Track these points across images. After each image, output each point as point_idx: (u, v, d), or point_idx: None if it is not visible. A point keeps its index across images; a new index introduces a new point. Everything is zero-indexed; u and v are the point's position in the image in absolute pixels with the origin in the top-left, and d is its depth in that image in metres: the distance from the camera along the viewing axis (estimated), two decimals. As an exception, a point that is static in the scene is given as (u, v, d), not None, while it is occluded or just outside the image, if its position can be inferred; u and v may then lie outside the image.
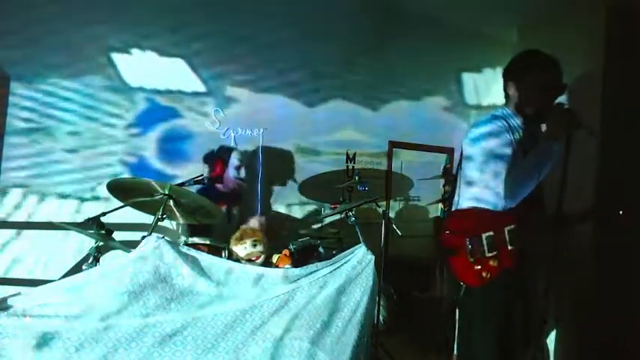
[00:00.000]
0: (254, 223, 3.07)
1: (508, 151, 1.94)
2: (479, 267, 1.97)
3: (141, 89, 3.62)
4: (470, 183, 2.06)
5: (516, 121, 2.07)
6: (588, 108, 3.16)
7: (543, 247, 2.06)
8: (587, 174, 3.06)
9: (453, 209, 2.19)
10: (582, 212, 2.23)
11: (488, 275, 1.96)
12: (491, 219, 1.99)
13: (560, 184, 1.95)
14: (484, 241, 1.97)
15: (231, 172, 3.43)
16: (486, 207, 1.99)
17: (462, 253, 1.99)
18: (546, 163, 1.95)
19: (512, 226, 1.97)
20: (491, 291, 1.99)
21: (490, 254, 1.96)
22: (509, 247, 1.97)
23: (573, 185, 2.05)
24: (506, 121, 2.03)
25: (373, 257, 2.56)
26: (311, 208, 3.95)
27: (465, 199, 2.08)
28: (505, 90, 2.13)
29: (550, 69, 2.03)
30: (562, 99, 2.06)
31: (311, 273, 2.42)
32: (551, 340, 2.81)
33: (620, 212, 2.17)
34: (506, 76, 2.13)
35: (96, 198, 3.45)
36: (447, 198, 2.32)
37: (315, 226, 3.89)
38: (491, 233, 1.98)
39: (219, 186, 3.40)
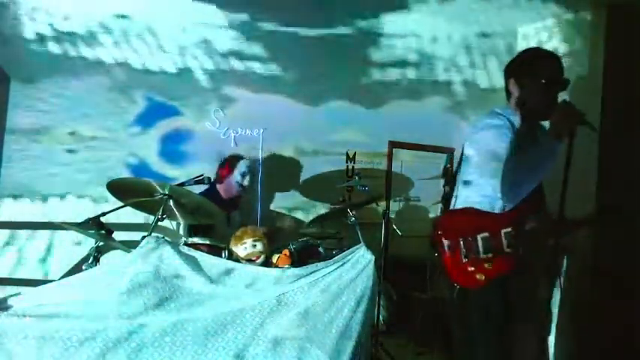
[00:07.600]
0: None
1: (508, 149, 1.85)
2: (472, 268, 1.88)
3: (142, 89, 3.62)
4: (467, 183, 2.00)
5: (517, 120, 1.97)
6: (588, 109, 3.19)
7: (544, 251, 1.96)
8: (588, 175, 3.06)
9: (450, 209, 2.09)
10: (585, 216, 2.16)
11: (483, 278, 1.87)
12: (488, 220, 1.90)
13: (562, 184, 1.86)
14: (479, 242, 1.88)
15: (236, 179, 3.36)
16: (482, 208, 1.91)
17: (455, 253, 1.90)
18: (547, 163, 1.81)
19: (510, 229, 1.88)
20: (487, 295, 1.88)
21: (485, 256, 1.87)
22: (507, 250, 1.87)
23: (575, 186, 1.94)
24: (507, 118, 1.94)
25: (373, 257, 2.55)
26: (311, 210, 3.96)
27: (462, 199, 2.01)
28: (506, 88, 2.06)
29: (551, 64, 1.97)
30: (564, 95, 1.96)
31: (311, 273, 2.41)
32: (551, 341, 2.80)
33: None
34: (508, 74, 2.06)
35: (95, 198, 3.44)
36: (446, 198, 2.21)
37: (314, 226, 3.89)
38: (486, 234, 1.88)
39: (221, 191, 3.37)
